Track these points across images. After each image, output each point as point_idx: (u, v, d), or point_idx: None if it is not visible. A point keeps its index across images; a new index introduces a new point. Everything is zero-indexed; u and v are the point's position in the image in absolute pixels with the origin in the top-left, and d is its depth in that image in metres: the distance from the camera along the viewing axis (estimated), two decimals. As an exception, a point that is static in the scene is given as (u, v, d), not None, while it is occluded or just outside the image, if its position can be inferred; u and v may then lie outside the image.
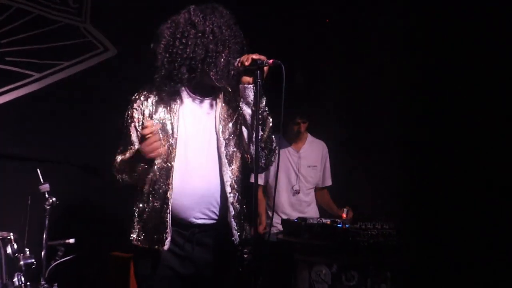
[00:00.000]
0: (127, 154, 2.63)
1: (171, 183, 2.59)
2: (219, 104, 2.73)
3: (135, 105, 2.68)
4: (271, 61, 2.52)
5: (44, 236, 3.34)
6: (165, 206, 2.58)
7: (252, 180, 2.53)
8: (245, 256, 2.66)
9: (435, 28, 4.81)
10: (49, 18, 4.38)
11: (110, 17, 4.58)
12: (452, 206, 4.55)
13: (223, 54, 2.56)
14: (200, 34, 2.56)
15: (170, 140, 2.61)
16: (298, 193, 4.59)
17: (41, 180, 3.40)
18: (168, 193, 2.59)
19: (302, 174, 4.63)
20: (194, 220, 2.64)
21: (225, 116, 2.72)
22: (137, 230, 2.65)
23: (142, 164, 2.54)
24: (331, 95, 5.52)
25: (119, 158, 2.67)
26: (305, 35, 5.55)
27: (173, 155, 2.60)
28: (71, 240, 3.46)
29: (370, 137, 5.30)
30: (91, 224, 4.26)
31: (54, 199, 3.36)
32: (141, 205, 2.65)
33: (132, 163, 2.58)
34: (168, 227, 2.58)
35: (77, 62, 4.45)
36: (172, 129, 2.63)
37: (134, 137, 2.66)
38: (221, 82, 2.61)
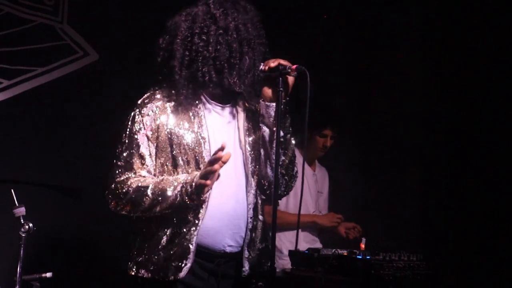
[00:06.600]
0: (160, 183, 2.43)
1: (206, 203, 2.44)
2: (241, 114, 2.62)
3: (145, 109, 2.51)
4: (294, 66, 2.42)
5: (18, 269, 3.15)
6: (193, 228, 2.44)
7: None
8: None
9: (466, 33, 4.74)
10: (20, 17, 4.27)
11: (91, 17, 4.47)
12: (490, 234, 4.43)
13: (248, 56, 2.48)
14: (221, 31, 2.46)
15: (203, 153, 2.49)
16: None
17: (16, 202, 3.21)
18: (201, 213, 2.44)
19: (317, 200, 4.47)
20: (222, 247, 2.51)
21: (249, 127, 2.62)
22: (147, 259, 2.49)
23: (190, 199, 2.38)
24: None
25: (133, 183, 2.46)
26: (309, 41, 5.52)
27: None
28: (48, 274, 3.28)
29: (390, 157, 5.22)
30: (72, 255, 4.15)
31: (31, 225, 3.17)
32: (158, 230, 2.49)
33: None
34: (191, 252, 2.44)
35: (53, 68, 4.34)
36: (203, 140, 2.50)
37: (143, 148, 2.49)
38: (241, 88, 2.50)
